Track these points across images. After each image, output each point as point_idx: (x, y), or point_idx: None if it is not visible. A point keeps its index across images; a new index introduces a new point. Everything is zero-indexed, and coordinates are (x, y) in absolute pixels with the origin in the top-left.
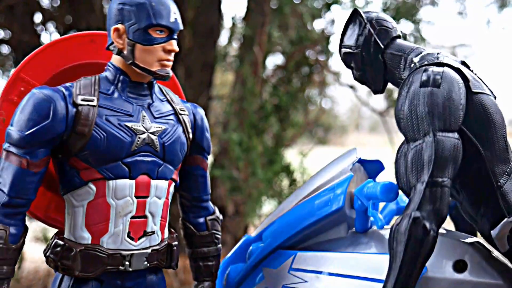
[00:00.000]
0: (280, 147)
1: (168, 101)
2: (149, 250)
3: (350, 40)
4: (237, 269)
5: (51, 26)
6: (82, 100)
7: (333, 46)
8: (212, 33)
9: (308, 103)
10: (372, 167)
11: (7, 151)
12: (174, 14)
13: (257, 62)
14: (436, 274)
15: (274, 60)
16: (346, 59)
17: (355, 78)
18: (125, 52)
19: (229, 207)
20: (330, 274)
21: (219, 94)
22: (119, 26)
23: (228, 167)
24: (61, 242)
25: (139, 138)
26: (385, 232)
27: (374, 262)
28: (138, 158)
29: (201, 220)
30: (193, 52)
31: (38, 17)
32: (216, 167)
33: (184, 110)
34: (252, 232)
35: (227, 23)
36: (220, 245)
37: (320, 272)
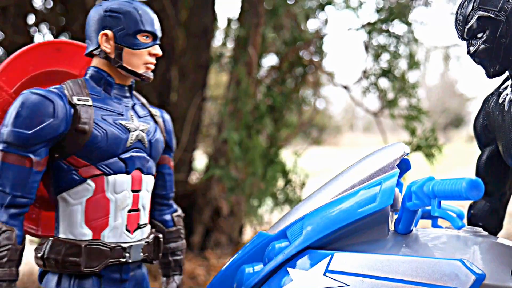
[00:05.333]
0: (274, 148)
1: (142, 104)
2: (143, 242)
3: (491, 3)
4: (253, 270)
5: (44, 27)
6: (78, 100)
7: (327, 46)
8: (206, 34)
9: (302, 104)
10: (399, 166)
11: (5, 151)
12: (157, 23)
13: (251, 63)
14: (496, 282)
15: (268, 61)
16: (478, 25)
17: (474, 53)
18: (112, 56)
19: (224, 207)
20: (376, 277)
21: (213, 95)
22: (107, 31)
23: (226, 167)
24: (60, 242)
25: (133, 135)
26: (428, 235)
27: (424, 266)
28: (132, 154)
29: (168, 217)
30: (186, 53)
31: (31, 19)
32: (213, 167)
33: (156, 113)
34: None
35: (221, 24)
36: (184, 240)
37: (364, 275)
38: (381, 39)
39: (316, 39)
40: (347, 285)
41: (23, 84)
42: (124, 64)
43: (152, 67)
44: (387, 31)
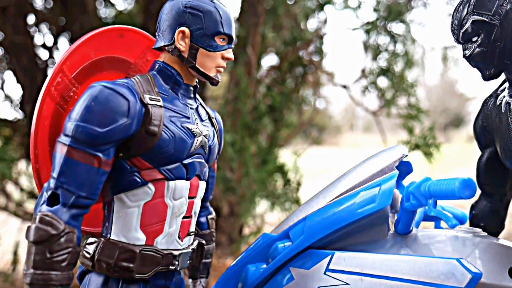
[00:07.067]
0: (274, 148)
1: (201, 105)
2: (190, 249)
3: (485, 7)
4: (257, 269)
5: (44, 27)
6: (150, 99)
7: (327, 46)
8: None
9: (302, 104)
10: (401, 168)
11: (72, 147)
12: (234, 25)
13: (250, 62)
14: (493, 281)
15: (269, 60)
16: (473, 29)
17: (469, 56)
18: (185, 55)
19: (224, 207)
20: (375, 276)
21: (213, 94)
22: (185, 29)
23: (221, 168)
24: (113, 244)
25: (197, 140)
26: (427, 235)
27: (422, 265)
28: (194, 160)
29: (203, 219)
30: None
31: (31, 19)
32: None
33: (212, 115)
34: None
35: None
36: (214, 243)
37: (363, 274)
38: (379, 39)
39: (316, 38)
40: (347, 284)
41: (83, 70)
42: (197, 65)
43: (222, 70)
44: (386, 30)
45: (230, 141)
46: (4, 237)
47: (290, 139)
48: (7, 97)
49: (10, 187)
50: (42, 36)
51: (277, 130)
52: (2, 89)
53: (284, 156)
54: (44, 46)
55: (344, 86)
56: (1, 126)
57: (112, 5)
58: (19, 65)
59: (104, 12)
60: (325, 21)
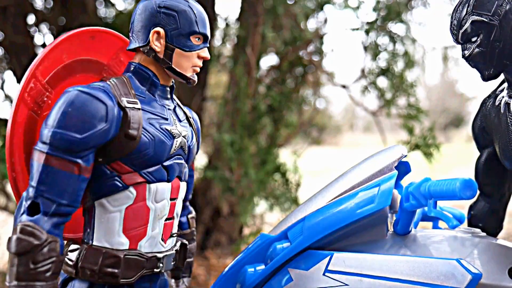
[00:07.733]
0: (273, 148)
1: (178, 105)
2: (173, 251)
3: (484, 8)
4: (255, 270)
5: (44, 27)
6: (128, 102)
7: (326, 46)
8: None
9: (302, 104)
10: (400, 168)
11: (50, 155)
12: (208, 24)
13: (250, 62)
14: (492, 282)
15: (268, 60)
16: (472, 29)
17: (468, 56)
18: (161, 56)
19: (224, 207)
20: (374, 277)
21: (213, 94)
22: (159, 29)
23: (220, 168)
24: (96, 250)
25: (176, 141)
26: (426, 236)
27: (421, 265)
28: (174, 161)
29: (184, 219)
30: None
31: (31, 19)
32: (210, 168)
33: (189, 114)
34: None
35: (220, 24)
36: (196, 242)
37: (362, 275)
38: (379, 39)
39: (316, 38)
40: (346, 285)
41: (56, 74)
42: (173, 66)
43: (198, 70)
44: (386, 30)
45: (230, 141)
46: (4, 237)
47: (290, 139)
48: (7, 97)
49: (10, 187)
50: (42, 36)
51: (277, 130)
52: (2, 89)
53: (284, 156)
54: (44, 46)
55: (344, 86)
56: (1, 126)
57: (112, 5)
58: (19, 65)
59: (104, 12)
60: (325, 21)
